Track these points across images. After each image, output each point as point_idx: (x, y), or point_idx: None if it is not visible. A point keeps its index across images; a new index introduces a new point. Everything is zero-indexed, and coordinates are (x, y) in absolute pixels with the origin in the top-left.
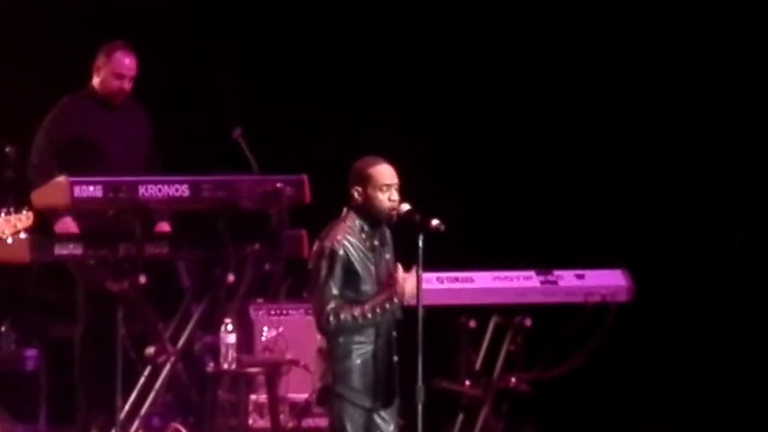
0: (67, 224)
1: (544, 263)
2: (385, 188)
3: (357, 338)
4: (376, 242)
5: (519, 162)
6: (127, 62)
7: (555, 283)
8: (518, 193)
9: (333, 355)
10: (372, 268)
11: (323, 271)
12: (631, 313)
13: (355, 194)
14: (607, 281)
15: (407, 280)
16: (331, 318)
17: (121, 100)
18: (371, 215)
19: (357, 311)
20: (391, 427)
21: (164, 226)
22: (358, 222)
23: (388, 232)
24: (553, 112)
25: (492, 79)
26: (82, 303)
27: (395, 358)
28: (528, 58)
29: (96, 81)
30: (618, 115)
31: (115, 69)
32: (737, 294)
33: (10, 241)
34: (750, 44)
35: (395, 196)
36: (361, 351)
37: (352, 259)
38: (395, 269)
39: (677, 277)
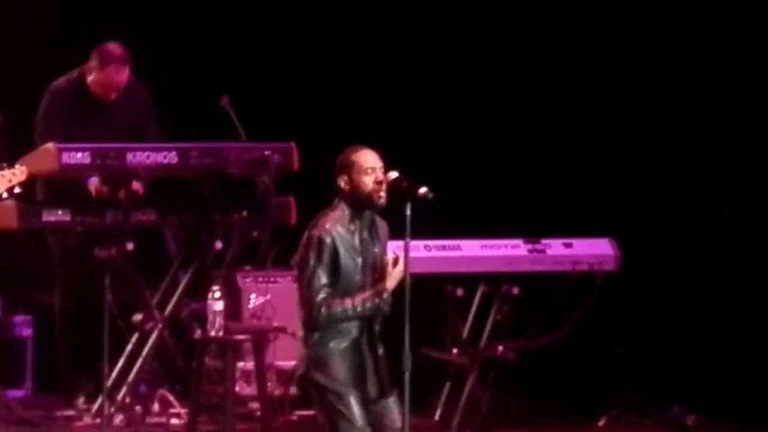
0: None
1: (532, 231)
2: (370, 171)
3: (335, 328)
4: (365, 234)
5: (508, 130)
6: (118, 79)
7: (543, 251)
8: (506, 161)
9: (308, 343)
10: (359, 259)
11: (311, 261)
12: (619, 282)
13: (342, 183)
14: (595, 250)
15: (393, 275)
16: (323, 309)
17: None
18: (360, 201)
19: (348, 303)
20: (395, 417)
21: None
22: (347, 212)
23: (382, 225)
24: (543, 84)
25: (482, 54)
26: (60, 270)
27: (380, 351)
28: (517, 37)
29: (88, 78)
30: (607, 87)
31: (107, 82)
32: (725, 263)
33: (5, 196)
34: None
35: (381, 178)
36: (337, 340)
37: (339, 249)
38: (385, 263)
39: (665, 246)
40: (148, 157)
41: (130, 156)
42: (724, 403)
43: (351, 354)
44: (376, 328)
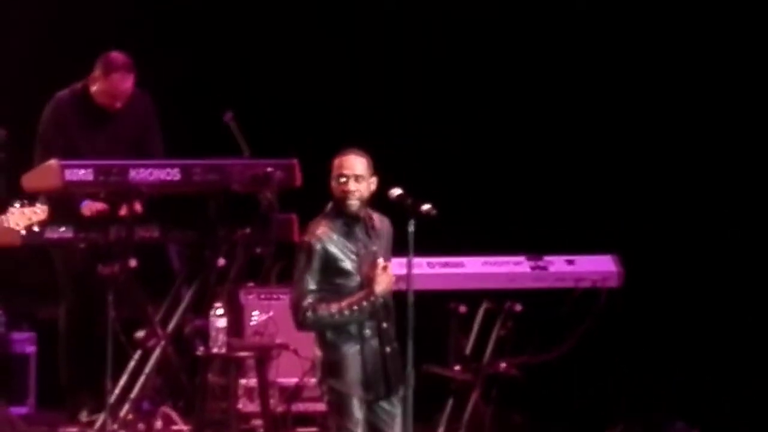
0: (90, 205)
1: (534, 248)
2: (340, 178)
3: (344, 331)
4: (360, 234)
5: (511, 147)
6: (123, 87)
7: (545, 268)
8: (509, 178)
9: (323, 347)
10: (354, 259)
11: (300, 265)
12: (622, 299)
13: (330, 186)
14: (598, 267)
15: (382, 276)
16: (308, 313)
17: (118, 108)
18: (338, 206)
19: (334, 308)
20: (396, 414)
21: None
22: (339, 214)
23: (381, 221)
24: (544, 98)
25: (484, 64)
26: (64, 286)
27: (387, 349)
28: (519, 43)
29: (92, 87)
30: (607, 101)
31: (110, 91)
32: (728, 280)
33: (23, 233)
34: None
35: (351, 186)
36: (351, 344)
37: (331, 253)
38: (375, 265)
39: (667, 263)
40: (150, 173)
41: (133, 173)
42: (727, 418)
43: (365, 356)
44: (385, 325)
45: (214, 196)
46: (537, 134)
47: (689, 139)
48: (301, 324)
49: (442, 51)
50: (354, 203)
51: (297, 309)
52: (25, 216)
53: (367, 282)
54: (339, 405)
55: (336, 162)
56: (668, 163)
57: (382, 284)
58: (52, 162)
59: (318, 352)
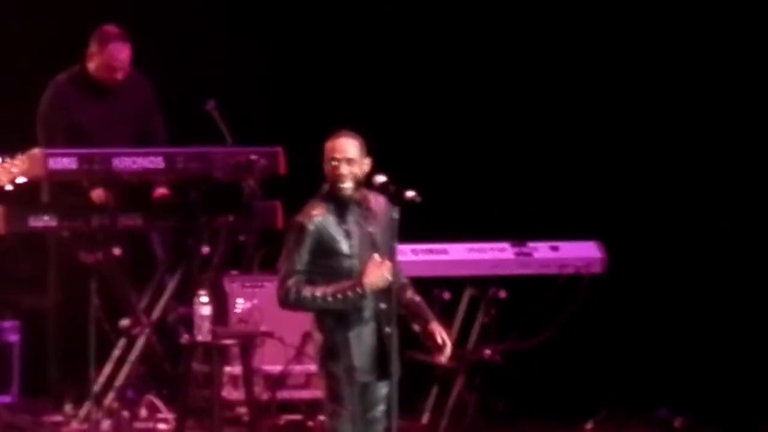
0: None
1: (518, 235)
2: (333, 161)
3: (344, 315)
4: (354, 215)
5: (495, 134)
6: (121, 56)
7: (529, 254)
8: (493, 164)
9: (323, 331)
10: (348, 241)
11: (290, 245)
12: (605, 285)
13: (323, 168)
14: (581, 253)
15: (374, 270)
16: (292, 293)
17: (117, 84)
18: (331, 188)
19: (318, 291)
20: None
21: (163, 190)
22: (331, 196)
23: (377, 201)
24: (529, 84)
25: (468, 51)
26: (57, 275)
27: (387, 330)
28: (502, 28)
29: (89, 66)
30: (591, 87)
31: (108, 62)
32: (712, 266)
33: (9, 188)
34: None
35: (343, 170)
36: (350, 328)
37: (325, 234)
38: (370, 259)
39: (651, 249)
40: (134, 162)
41: (116, 161)
42: (711, 404)
43: (364, 338)
44: (383, 306)
45: (197, 184)
46: (521, 121)
47: (671, 125)
48: (283, 302)
49: (426, 36)
50: (347, 186)
51: (281, 287)
52: (7, 170)
53: (362, 272)
54: (336, 390)
55: (328, 145)
56: (651, 149)
57: (372, 278)
58: (36, 150)
59: (317, 336)
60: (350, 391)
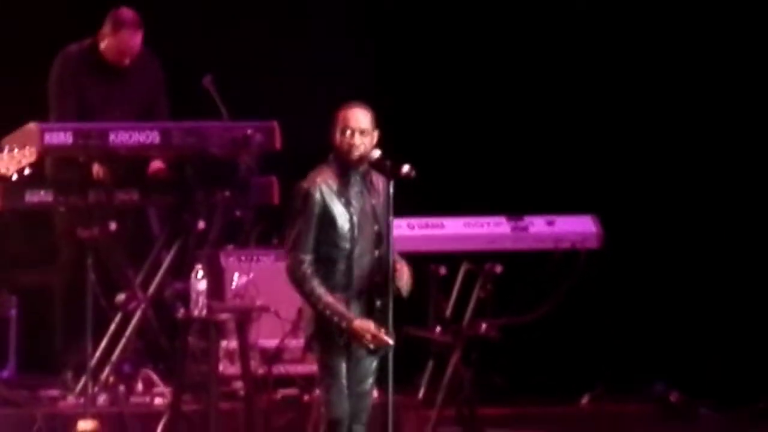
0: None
1: (514, 209)
2: (347, 131)
3: (334, 287)
4: (357, 187)
5: (490, 108)
6: (131, 43)
7: (525, 229)
8: (489, 138)
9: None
10: (352, 212)
11: (296, 212)
12: (601, 260)
13: (332, 137)
14: (578, 227)
15: (366, 328)
16: (298, 273)
17: (125, 65)
18: (341, 158)
19: (317, 291)
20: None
21: (158, 164)
22: (339, 165)
23: (380, 182)
24: (525, 59)
25: (465, 27)
26: (64, 250)
27: (378, 303)
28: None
29: (101, 44)
30: (587, 61)
31: (119, 46)
32: (708, 239)
33: (15, 177)
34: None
35: (356, 140)
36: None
37: (328, 202)
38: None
39: (647, 224)
40: (130, 137)
41: (112, 136)
42: (707, 379)
43: (356, 310)
44: (377, 279)
45: (193, 159)
46: (517, 95)
47: (668, 99)
48: (289, 274)
49: (423, 11)
50: (357, 155)
51: (292, 262)
52: (15, 160)
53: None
54: (327, 362)
55: (341, 115)
56: (646, 123)
57: (362, 331)
58: (31, 125)
59: (308, 308)
60: (343, 365)
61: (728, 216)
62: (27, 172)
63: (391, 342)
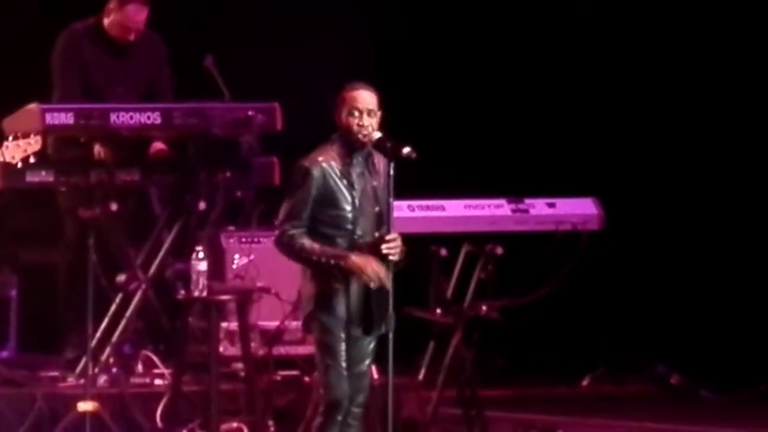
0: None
1: (515, 191)
2: (355, 112)
3: (333, 266)
4: (361, 167)
5: (492, 90)
6: (137, 18)
7: (526, 211)
8: (490, 120)
9: (314, 281)
10: (354, 192)
11: (293, 188)
12: (602, 242)
13: (337, 118)
14: (578, 209)
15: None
16: (286, 236)
17: (129, 43)
18: (346, 138)
19: (308, 245)
20: (369, 354)
21: (160, 144)
22: (343, 145)
23: (381, 158)
24: (526, 42)
25: (466, 11)
26: (69, 229)
27: (372, 284)
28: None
29: (106, 20)
30: (588, 45)
31: (123, 21)
32: (709, 222)
33: (19, 165)
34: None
35: (365, 121)
36: (338, 277)
37: (329, 181)
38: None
39: (648, 206)
40: (131, 117)
41: (113, 116)
42: (707, 362)
43: (351, 290)
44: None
45: (195, 140)
46: (518, 77)
47: (668, 82)
48: (277, 242)
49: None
50: (365, 135)
51: (280, 228)
52: (21, 148)
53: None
54: (327, 342)
55: (348, 96)
56: (647, 105)
57: (361, 265)
58: (33, 106)
59: (308, 285)
60: (342, 345)
61: (729, 199)
62: (32, 160)
63: (388, 286)
